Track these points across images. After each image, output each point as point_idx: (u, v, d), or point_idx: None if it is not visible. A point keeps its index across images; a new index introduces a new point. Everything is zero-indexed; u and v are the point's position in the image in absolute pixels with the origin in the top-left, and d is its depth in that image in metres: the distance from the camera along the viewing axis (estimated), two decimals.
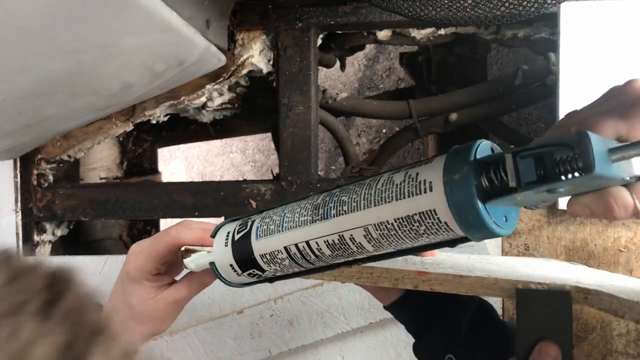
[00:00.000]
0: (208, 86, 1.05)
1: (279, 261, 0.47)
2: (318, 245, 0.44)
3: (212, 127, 1.54)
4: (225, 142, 3.32)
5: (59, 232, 1.17)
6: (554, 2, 0.70)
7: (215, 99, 1.12)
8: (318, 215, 0.44)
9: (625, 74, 0.89)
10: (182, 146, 3.35)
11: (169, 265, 0.60)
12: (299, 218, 0.45)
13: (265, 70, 1.05)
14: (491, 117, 1.18)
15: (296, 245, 0.45)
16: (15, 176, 1.09)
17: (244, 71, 1.03)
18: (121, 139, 1.51)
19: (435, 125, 1.17)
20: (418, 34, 1.04)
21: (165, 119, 1.13)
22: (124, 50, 0.74)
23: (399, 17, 0.96)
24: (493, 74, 2.58)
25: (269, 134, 2.19)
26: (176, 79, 0.94)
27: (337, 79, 2.98)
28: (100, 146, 1.35)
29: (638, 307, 0.45)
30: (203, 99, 1.09)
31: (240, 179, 2.76)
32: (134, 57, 0.78)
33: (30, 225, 1.10)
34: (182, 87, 1.03)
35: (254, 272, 0.50)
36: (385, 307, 0.68)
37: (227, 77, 1.04)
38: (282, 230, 0.46)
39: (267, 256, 0.48)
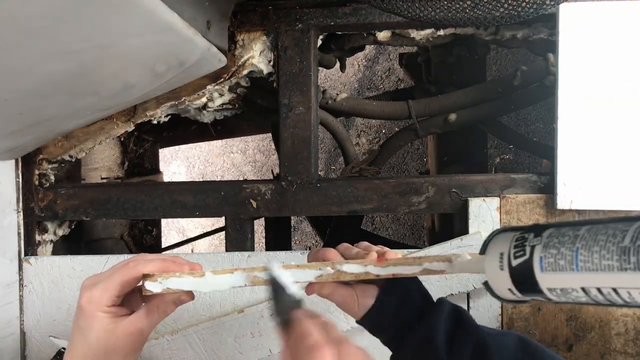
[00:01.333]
0: (209, 87, 1.05)
1: (572, 297, 0.45)
2: (630, 294, 0.41)
3: (212, 127, 1.55)
4: (226, 142, 3.32)
5: (60, 232, 1.17)
6: (552, 2, 0.70)
7: (215, 99, 1.12)
8: (629, 264, 0.40)
9: (624, 74, 0.90)
10: (183, 146, 3.36)
11: (126, 299, 0.59)
12: (599, 260, 0.42)
13: (265, 71, 1.05)
14: (490, 118, 1.18)
15: (599, 289, 0.43)
16: (17, 176, 1.09)
17: (245, 72, 1.04)
18: (122, 139, 1.52)
19: (434, 126, 1.17)
20: (417, 34, 1.05)
21: (166, 119, 1.14)
22: (125, 51, 0.74)
23: (398, 18, 0.96)
24: (492, 74, 2.58)
25: (270, 135, 2.19)
26: (177, 79, 0.94)
27: (337, 80, 2.98)
28: (101, 146, 1.36)
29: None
30: (204, 100, 1.10)
31: (241, 178, 2.76)
32: (135, 58, 0.78)
33: (32, 225, 1.10)
34: (183, 87, 1.04)
35: (536, 298, 0.49)
36: (358, 322, 0.68)
37: (227, 77, 1.04)
38: (577, 270, 0.43)
39: (557, 291, 0.46)
